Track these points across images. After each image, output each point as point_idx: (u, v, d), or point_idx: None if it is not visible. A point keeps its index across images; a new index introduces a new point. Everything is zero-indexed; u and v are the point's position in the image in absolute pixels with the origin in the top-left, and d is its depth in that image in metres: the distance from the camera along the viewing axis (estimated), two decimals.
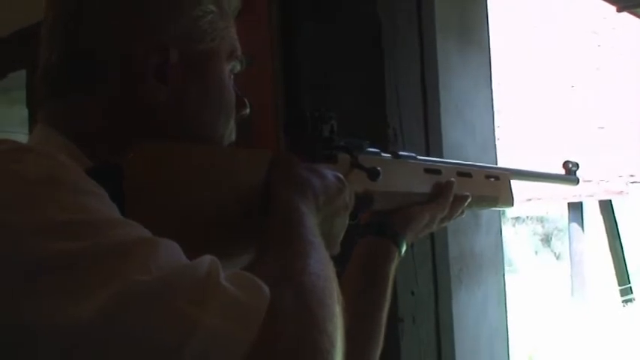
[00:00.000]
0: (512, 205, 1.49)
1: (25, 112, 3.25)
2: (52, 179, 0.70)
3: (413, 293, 1.71)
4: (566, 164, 1.70)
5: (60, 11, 0.91)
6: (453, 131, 1.99)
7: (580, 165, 1.70)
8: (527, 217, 18.21)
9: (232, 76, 0.99)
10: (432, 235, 1.53)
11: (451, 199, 1.31)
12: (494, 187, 1.44)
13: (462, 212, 1.37)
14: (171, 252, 0.69)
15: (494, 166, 1.48)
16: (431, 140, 1.85)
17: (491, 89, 2.22)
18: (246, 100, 1.02)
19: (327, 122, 1.08)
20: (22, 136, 3.49)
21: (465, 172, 1.37)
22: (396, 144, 1.69)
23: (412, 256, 1.67)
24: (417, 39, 1.84)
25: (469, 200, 1.35)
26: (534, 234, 18.52)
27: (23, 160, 0.71)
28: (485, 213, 2.12)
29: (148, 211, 0.79)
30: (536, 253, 17.85)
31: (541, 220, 18.56)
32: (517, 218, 18.03)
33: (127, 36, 0.88)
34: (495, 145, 2.24)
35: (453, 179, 1.32)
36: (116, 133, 0.87)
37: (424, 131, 1.83)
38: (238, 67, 1.00)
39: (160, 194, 0.82)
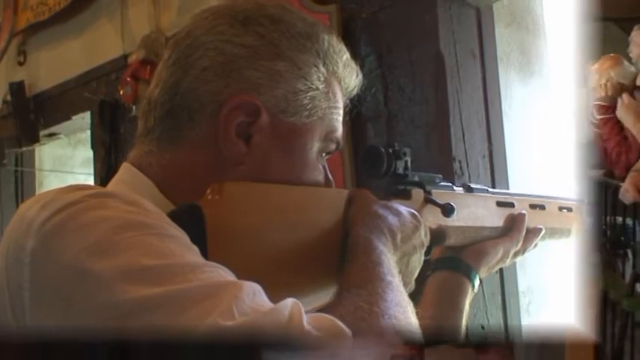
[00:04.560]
0: None
1: (89, 153, 3.30)
2: (136, 225, 0.71)
3: (483, 328, 1.68)
4: None
5: (175, 58, 0.91)
6: (517, 162, 1.97)
7: None
8: None
9: (325, 155, 0.96)
10: (501, 269, 1.51)
11: (524, 232, 1.26)
12: (568, 218, 1.40)
13: (536, 245, 1.33)
14: (254, 295, 0.68)
15: (568, 197, 1.44)
16: (496, 172, 1.83)
17: (555, 118, 2.19)
18: (332, 181, 0.99)
19: (401, 159, 1.07)
20: (84, 177, 3.56)
21: (538, 205, 1.33)
22: (463, 177, 1.68)
23: (482, 290, 1.64)
24: (479, 74, 1.84)
25: (542, 233, 1.31)
26: None
27: (107, 205, 0.72)
28: (551, 243, 2.09)
29: (228, 250, 0.79)
30: None
31: None
32: None
33: (221, 90, 0.87)
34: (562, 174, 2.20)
35: (524, 212, 1.29)
36: (197, 178, 0.87)
37: (489, 163, 1.81)
38: (333, 148, 0.97)
39: (239, 234, 0.82)
